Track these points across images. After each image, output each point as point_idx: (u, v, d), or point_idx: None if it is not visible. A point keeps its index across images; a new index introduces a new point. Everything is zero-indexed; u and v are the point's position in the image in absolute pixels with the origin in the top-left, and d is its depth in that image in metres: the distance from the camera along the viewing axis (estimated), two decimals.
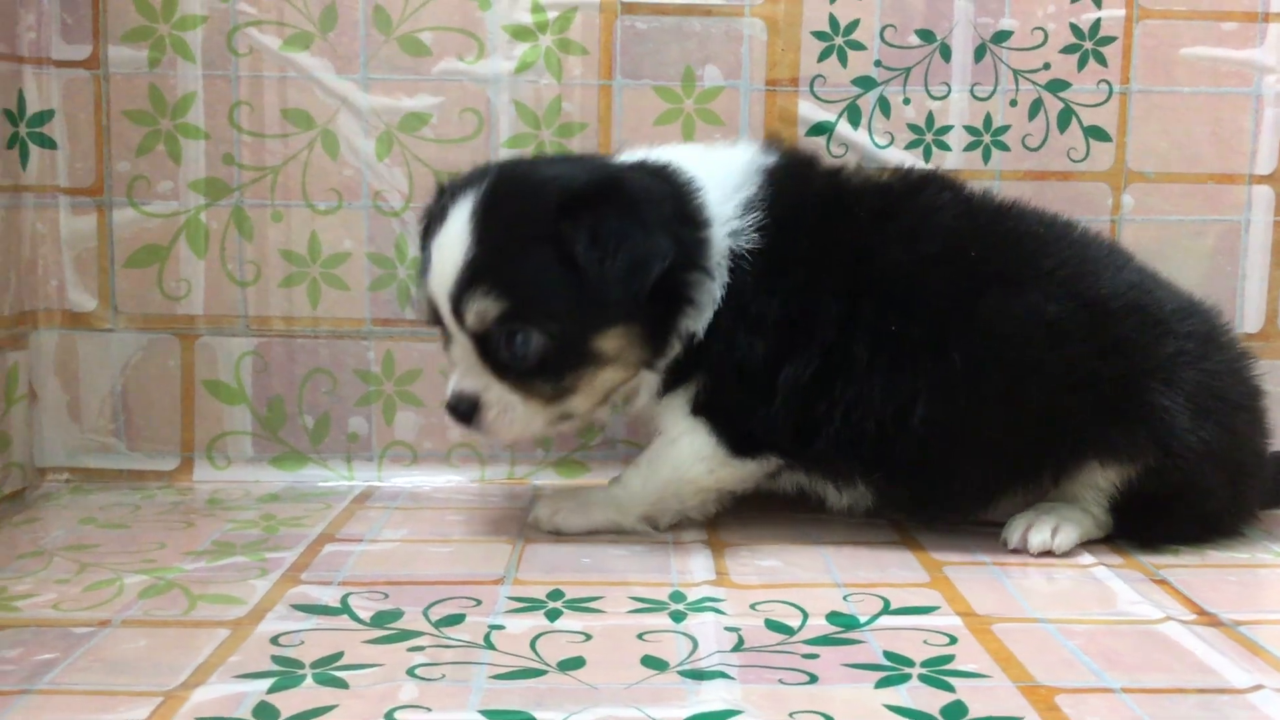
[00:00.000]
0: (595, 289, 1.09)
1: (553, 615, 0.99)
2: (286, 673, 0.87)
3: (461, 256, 1.12)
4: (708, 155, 1.23)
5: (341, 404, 1.44)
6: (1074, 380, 1.14)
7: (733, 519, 1.27)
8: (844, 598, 1.04)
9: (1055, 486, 1.20)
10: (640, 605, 1.02)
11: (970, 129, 1.42)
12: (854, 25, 1.41)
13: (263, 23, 1.39)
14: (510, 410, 1.15)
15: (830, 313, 1.15)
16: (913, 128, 1.42)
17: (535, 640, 0.93)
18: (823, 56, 1.41)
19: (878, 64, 1.41)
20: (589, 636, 0.94)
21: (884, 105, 1.42)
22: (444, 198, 1.18)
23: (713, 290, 1.15)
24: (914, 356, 1.15)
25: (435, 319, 1.17)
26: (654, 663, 0.89)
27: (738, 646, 0.92)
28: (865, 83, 1.42)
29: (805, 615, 0.99)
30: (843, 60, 1.41)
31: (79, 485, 1.42)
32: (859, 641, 0.94)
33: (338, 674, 0.86)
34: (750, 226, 1.17)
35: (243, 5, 1.38)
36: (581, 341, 1.13)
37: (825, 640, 0.94)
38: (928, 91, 1.42)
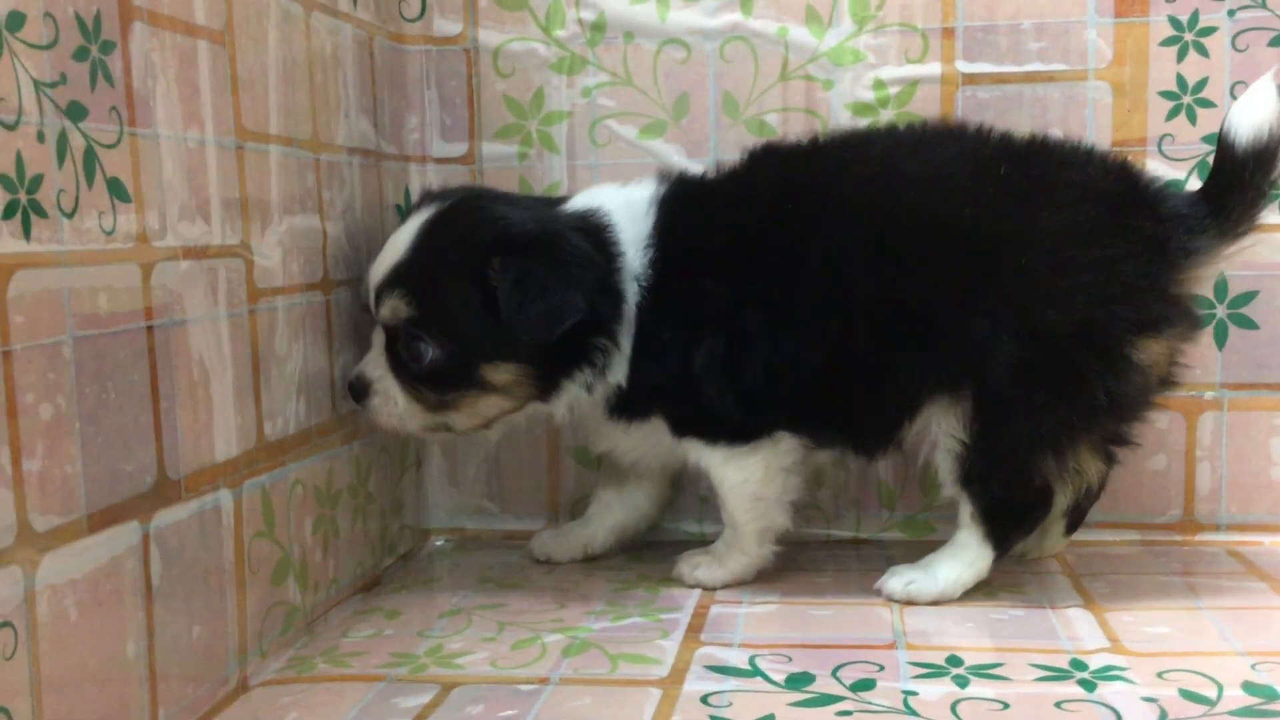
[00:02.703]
0: (508, 326, 1.18)
1: (960, 681, 1.03)
2: None
3: (397, 257, 1.23)
4: (628, 204, 1.29)
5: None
6: (890, 309, 1.20)
7: (1103, 583, 1.28)
8: (1252, 666, 1.04)
9: (912, 422, 1.25)
10: (1045, 673, 1.04)
11: None
12: (1202, 84, 1.40)
13: (621, 114, 1.49)
14: (393, 404, 1.26)
15: (716, 307, 1.23)
16: None
17: (955, 705, 0.97)
18: (1170, 116, 1.41)
19: None
20: (1007, 705, 0.97)
21: None
22: (416, 204, 1.31)
23: (624, 345, 1.25)
24: (790, 317, 1.22)
25: (365, 305, 1.27)
26: None
27: (1162, 719, 0.94)
28: (1216, 140, 1.40)
29: (1220, 686, 0.99)
30: (1191, 118, 1.41)
31: (459, 545, 1.54)
32: None
33: None
34: (646, 264, 1.26)
35: (602, 100, 1.49)
36: (473, 366, 1.22)
37: (1249, 712, 0.94)
38: None
